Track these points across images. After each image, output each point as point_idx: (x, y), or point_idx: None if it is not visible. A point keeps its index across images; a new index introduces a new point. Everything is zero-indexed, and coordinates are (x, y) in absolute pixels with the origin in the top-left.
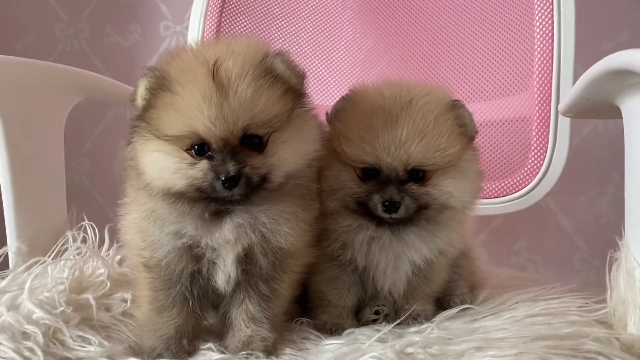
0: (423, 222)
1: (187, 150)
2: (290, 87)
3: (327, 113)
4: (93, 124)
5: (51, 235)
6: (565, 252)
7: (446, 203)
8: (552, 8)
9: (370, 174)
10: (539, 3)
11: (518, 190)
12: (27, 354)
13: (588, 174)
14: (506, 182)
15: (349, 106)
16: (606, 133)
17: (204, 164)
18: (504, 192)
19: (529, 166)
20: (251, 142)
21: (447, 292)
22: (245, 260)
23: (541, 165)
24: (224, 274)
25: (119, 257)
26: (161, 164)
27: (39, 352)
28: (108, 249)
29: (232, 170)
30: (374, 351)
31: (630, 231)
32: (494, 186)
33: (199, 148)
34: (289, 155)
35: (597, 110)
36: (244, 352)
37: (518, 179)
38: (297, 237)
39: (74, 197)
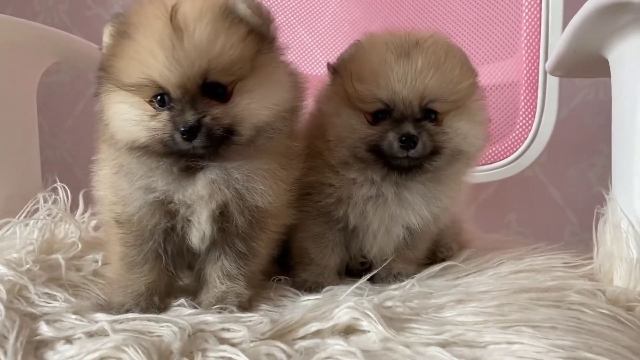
0: (429, 175)
1: (150, 102)
2: (253, 29)
3: (328, 64)
4: (75, 99)
5: (24, 200)
6: (555, 224)
7: (460, 146)
8: None
9: (382, 117)
10: None
11: (507, 157)
12: None
13: (578, 146)
14: (494, 149)
15: (359, 50)
16: (597, 102)
17: (164, 115)
18: (493, 159)
19: (517, 132)
20: (215, 91)
21: (435, 247)
22: (222, 218)
23: (529, 130)
24: (199, 231)
25: (94, 222)
26: (124, 116)
27: (1, 307)
28: (82, 214)
29: (191, 120)
30: (351, 301)
31: (617, 184)
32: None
33: (161, 99)
34: (255, 105)
35: (585, 65)
36: (217, 307)
37: (506, 145)
38: (275, 196)
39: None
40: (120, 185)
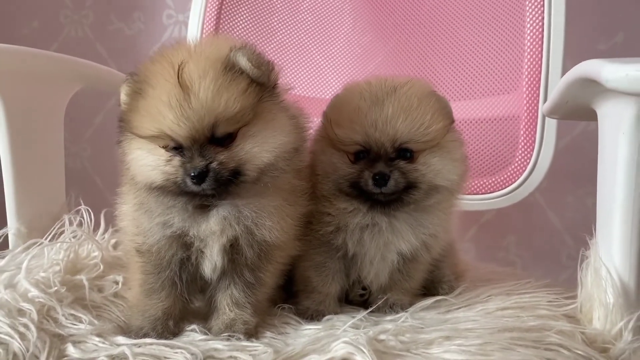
0: (412, 206)
1: (164, 147)
2: (254, 80)
3: (324, 113)
4: (95, 111)
5: (49, 218)
6: (553, 248)
7: (434, 181)
8: (543, 10)
9: (361, 156)
10: (530, 4)
11: (506, 187)
12: (21, 329)
13: (578, 173)
14: (494, 179)
15: (338, 99)
16: (597, 132)
17: (176, 160)
18: (492, 189)
19: (517, 164)
20: (221, 139)
21: (435, 280)
22: (232, 250)
23: (528, 163)
24: (210, 262)
25: (113, 240)
26: (142, 161)
27: (33, 328)
28: (103, 233)
29: (200, 166)
30: (347, 336)
31: (599, 232)
32: (482, 182)
33: (174, 146)
34: (257, 148)
35: (578, 113)
36: (225, 334)
37: (506, 176)
38: (282, 230)
39: (74, 181)
40: (140, 219)
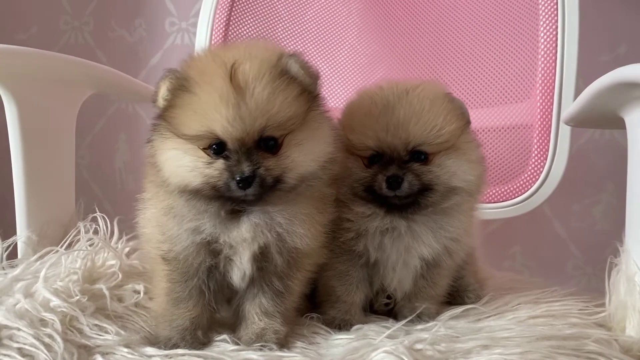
0: (430, 209)
1: (204, 149)
2: (305, 88)
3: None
4: (95, 118)
5: (59, 226)
6: (559, 258)
7: (449, 182)
8: (557, 18)
9: (375, 160)
10: (543, 13)
11: (518, 196)
12: (46, 340)
13: (584, 182)
14: (506, 188)
15: (351, 104)
16: (602, 142)
17: (219, 163)
18: (504, 197)
19: (529, 173)
20: (266, 143)
21: (460, 289)
22: (261, 258)
23: (541, 172)
24: (240, 270)
25: (127, 249)
26: (178, 162)
27: (59, 339)
28: (117, 241)
29: (247, 171)
30: (386, 346)
31: (631, 238)
32: (494, 191)
33: (217, 147)
34: (303, 157)
35: (601, 121)
36: (257, 344)
37: (518, 184)
38: (312, 238)
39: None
40: (168, 225)
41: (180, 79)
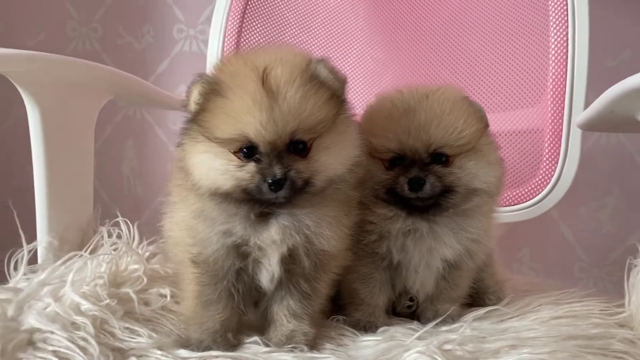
0: (452, 211)
1: (235, 152)
2: (334, 92)
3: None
4: (102, 124)
5: (78, 230)
6: (566, 261)
7: (470, 184)
8: (567, 22)
9: (396, 162)
10: (553, 17)
11: (529, 199)
12: (81, 343)
13: (590, 186)
14: (518, 191)
15: (372, 108)
16: (609, 146)
17: (251, 166)
18: (516, 201)
19: (541, 176)
20: (296, 147)
21: (480, 291)
22: (289, 260)
23: (552, 175)
24: (269, 272)
25: (147, 253)
26: (210, 165)
27: (93, 342)
28: (138, 246)
29: (279, 173)
30: (417, 347)
31: None
32: (506, 195)
33: (248, 151)
34: (332, 160)
35: (617, 124)
36: (287, 346)
37: (529, 188)
38: (339, 240)
39: None
40: (199, 228)
41: (212, 83)
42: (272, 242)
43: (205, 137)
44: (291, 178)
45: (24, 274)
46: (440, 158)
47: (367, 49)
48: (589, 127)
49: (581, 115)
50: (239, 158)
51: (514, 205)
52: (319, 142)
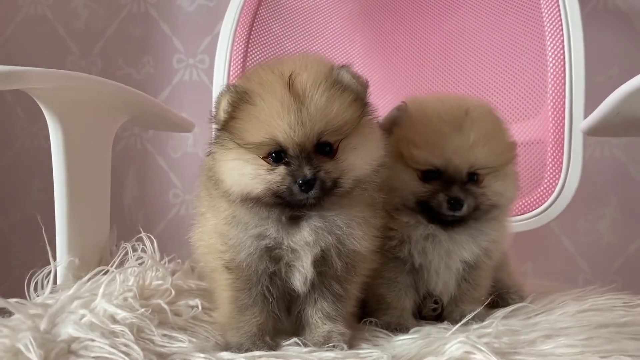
0: (472, 221)
1: (264, 157)
2: (358, 95)
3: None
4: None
5: (96, 251)
6: (569, 273)
7: (497, 203)
8: (562, 33)
9: (431, 175)
10: (549, 28)
11: (534, 209)
12: (123, 349)
13: (587, 198)
14: (523, 202)
15: (408, 115)
16: (603, 159)
17: (281, 169)
18: (522, 211)
19: (545, 185)
20: (323, 149)
21: (502, 290)
22: (321, 262)
23: (556, 184)
24: (302, 275)
25: (169, 269)
26: (241, 171)
27: (136, 347)
28: (161, 260)
29: (309, 173)
30: (457, 338)
31: None
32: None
33: (277, 155)
34: (358, 161)
35: (622, 127)
36: (326, 346)
37: (534, 198)
38: (369, 240)
39: None
40: (231, 233)
41: (240, 92)
42: (305, 243)
43: (236, 144)
44: (321, 178)
45: (49, 292)
46: (473, 176)
47: (365, 71)
48: (593, 131)
49: (586, 120)
50: (268, 163)
51: (520, 215)
52: (345, 143)
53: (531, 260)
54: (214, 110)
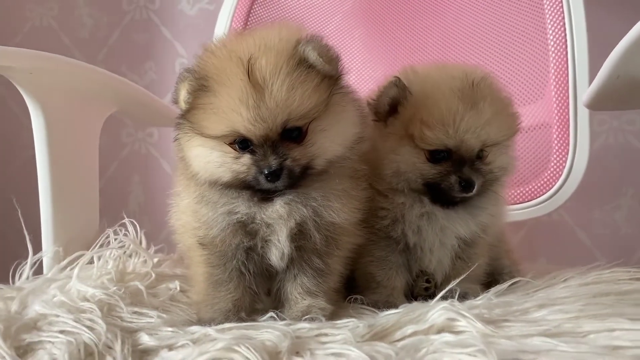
0: (473, 198)
1: (231, 144)
2: (325, 75)
3: (368, 102)
4: (108, 160)
5: (84, 244)
6: (585, 266)
7: (501, 177)
8: (563, 13)
9: (440, 156)
10: (549, 10)
11: (542, 195)
12: (88, 323)
13: (602, 188)
14: (529, 187)
15: (413, 91)
16: (616, 146)
17: (246, 158)
18: (528, 197)
19: (551, 170)
20: (290, 134)
21: (496, 272)
22: (299, 236)
23: (563, 168)
24: (278, 250)
25: (156, 259)
26: (206, 159)
27: (100, 321)
28: (146, 249)
29: (275, 164)
30: (441, 305)
31: None
32: (518, 192)
33: (242, 143)
34: (329, 142)
35: (625, 96)
36: (305, 318)
37: (541, 183)
38: (349, 213)
39: None
40: (202, 211)
41: (198, 79)
42: (278, 216)
43: (199, 135)
44: (288, 167)
45: (27, 278)
46: (481, 153)
47: (365, 67)
48: (596, 103)
49: (587, 90)
50: (234, 149)
51: (527, 201)
52: (315, 125)
53: (545, 254)
54: (173, 95)
